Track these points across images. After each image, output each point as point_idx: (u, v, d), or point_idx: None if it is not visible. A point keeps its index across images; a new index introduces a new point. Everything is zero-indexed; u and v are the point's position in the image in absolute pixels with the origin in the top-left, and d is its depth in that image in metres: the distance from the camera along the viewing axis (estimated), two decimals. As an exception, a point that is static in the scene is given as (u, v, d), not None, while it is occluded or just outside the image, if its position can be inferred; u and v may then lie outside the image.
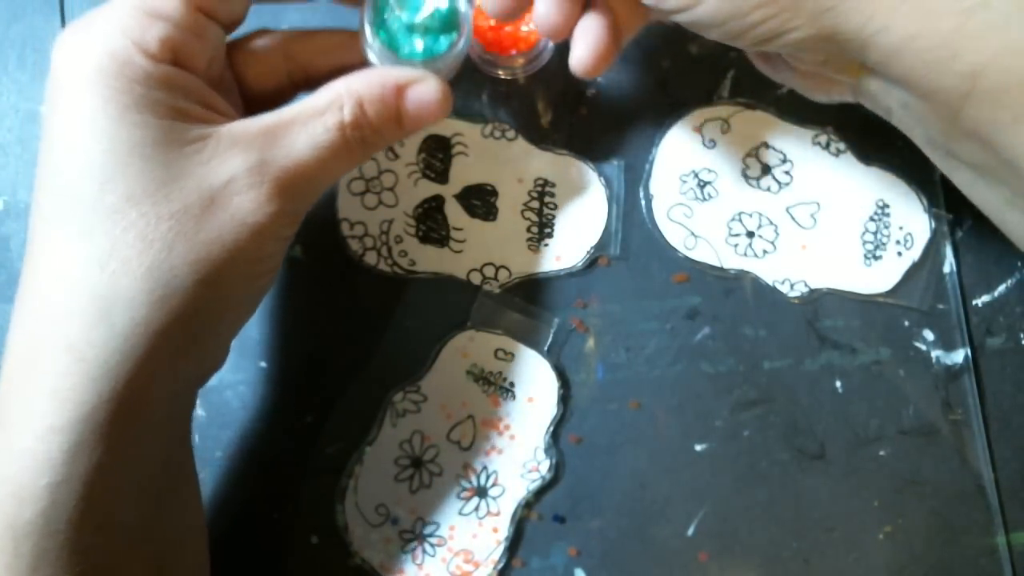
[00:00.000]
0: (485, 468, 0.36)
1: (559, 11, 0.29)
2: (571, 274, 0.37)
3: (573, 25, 0.30)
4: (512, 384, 0.36)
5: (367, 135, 0.27)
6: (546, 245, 0.37)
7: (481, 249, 0.37)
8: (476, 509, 0.35)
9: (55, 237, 0.25)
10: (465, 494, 0.35)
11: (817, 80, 0.31)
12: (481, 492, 0.35)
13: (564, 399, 0.36)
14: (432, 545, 0.35)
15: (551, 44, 0.36)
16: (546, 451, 0.36)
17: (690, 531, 0.36)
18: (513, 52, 0.36)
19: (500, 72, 0.37)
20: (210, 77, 0.28)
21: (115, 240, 0.24)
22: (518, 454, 0.36)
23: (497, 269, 0.36)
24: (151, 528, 0.27)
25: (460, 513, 0.35)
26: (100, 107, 0.24)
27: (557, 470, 0.36)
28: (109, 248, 0.24)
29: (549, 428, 0.36)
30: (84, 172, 0.24)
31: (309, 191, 0.27)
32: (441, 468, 0.36)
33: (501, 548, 0.35)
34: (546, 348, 0.36)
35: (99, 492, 0.25)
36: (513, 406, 0.36)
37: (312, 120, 0.26)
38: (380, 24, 0.30)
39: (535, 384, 0.36)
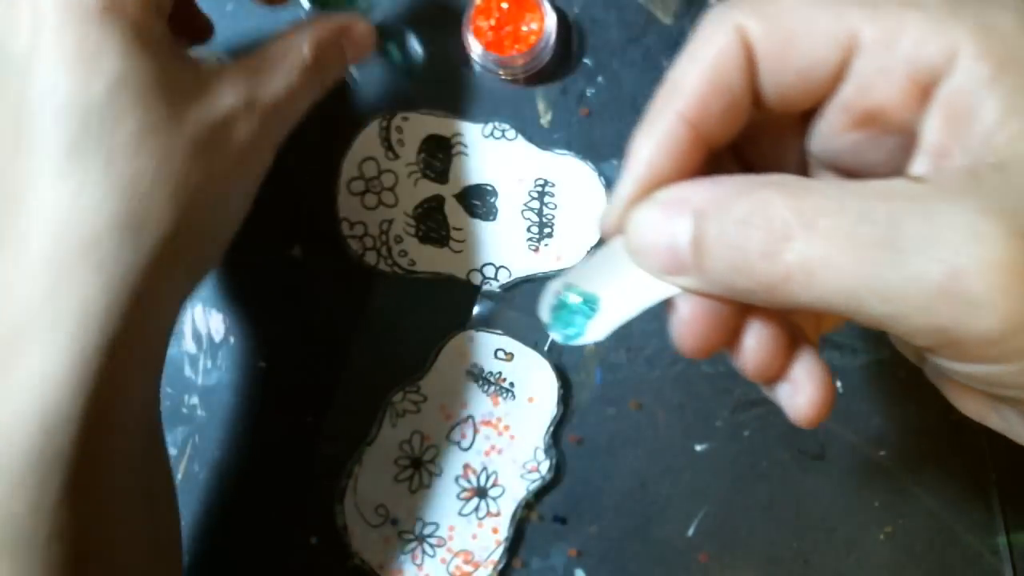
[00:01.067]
0: (485, 468, 0.35)
1: (772, 350, 0.23)
2: (571, 274, 0.37)
3: (785, 367, 0.23)
4: (512, 384, 0.36)
5: (323, 68, 0.32)
6: (546, 245, 0.37)
7: (481, 249, 0.37)
8: (476, 509, 0.35)
9: (62, 171, 0.25)
10: (465, 494, 0.35)
11: None
12: (481, 492, 0.35)
13: (564, 399, 0.36)
14: (432, 545, 0.35)
15: (551, 44, 0.36)
16: (546, 451, 0.36)
17: (690, 531, 0.36)
18: (513, 52, 0.36)
19: (500, 72, 0.37)
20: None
21: (138, 168, 0.26)
22: (518, 454, 0.36)
23: (497, 269, 0.36)
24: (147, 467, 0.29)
25: (460, 513, 0.35)
26: (107, 40, 0.25)
27: (557, 470, 0.36)
28: (132, 176, 0.25)
29: (549, 428, 0.36)
30: (96, 105, 0.25)
31: (287, 122, 0.31)
32: (441, 468, 0.35)
33: (501, 548, 0.35)
34: (546, 348, 0.36)
35: (104, 421, 0.26)
36: (513, 406, 0.36)
37: (283, 60, 0.30)
38: None
39: (535, 384, 0.36)
